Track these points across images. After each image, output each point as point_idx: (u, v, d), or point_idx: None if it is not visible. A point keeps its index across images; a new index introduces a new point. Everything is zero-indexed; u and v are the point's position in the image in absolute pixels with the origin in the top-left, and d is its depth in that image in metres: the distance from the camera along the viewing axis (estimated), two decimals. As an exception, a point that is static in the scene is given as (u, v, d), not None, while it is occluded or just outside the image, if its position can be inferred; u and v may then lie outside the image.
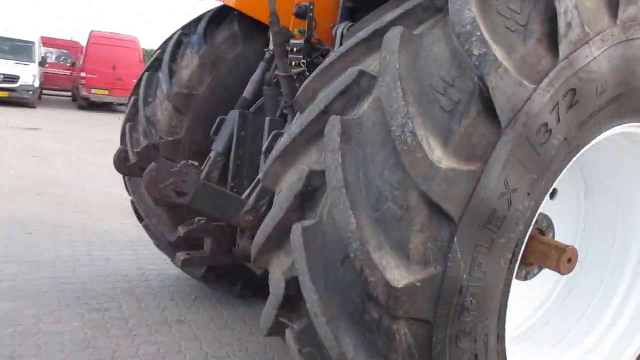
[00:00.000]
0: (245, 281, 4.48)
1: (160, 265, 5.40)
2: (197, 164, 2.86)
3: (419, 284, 1.74)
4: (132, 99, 4.34)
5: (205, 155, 4.11)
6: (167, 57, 4.10)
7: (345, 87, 2.08)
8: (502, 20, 1.88)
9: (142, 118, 4.09)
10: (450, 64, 1.88)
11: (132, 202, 4.46)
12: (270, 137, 3.13)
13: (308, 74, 3.54)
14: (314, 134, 2.17)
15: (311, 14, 3.65)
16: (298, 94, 2.48)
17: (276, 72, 3.44)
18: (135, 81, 4.53)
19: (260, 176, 2.52)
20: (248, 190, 3.12)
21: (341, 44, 3.09)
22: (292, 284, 2.05)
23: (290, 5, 3.93)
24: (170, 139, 4.00)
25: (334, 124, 1.99)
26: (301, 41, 3.59)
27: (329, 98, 2.12)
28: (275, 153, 2.32)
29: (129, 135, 4.23)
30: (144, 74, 4.35)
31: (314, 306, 1.90)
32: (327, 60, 2.36)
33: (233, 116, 3.72)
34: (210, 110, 4.10)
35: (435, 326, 1.81)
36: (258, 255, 2.32)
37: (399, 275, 1.72)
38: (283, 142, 2.28)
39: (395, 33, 2.05)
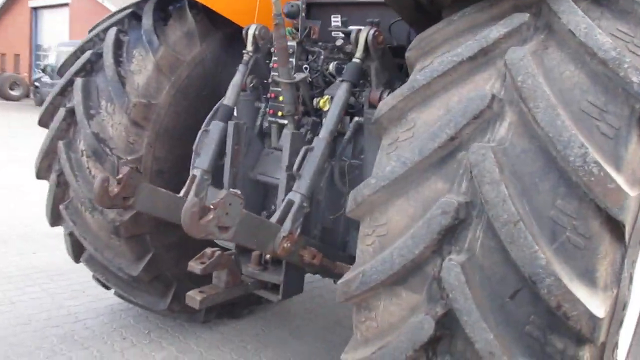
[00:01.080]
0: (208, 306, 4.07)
1: (80, 298, 4.63)
2: (239, 192, 2.47)
3: (609, 309, 1.76)
4: (61, 110, 3.57)
5: (168, 173, 3.61)
6: (108, 60, 3.44)
7: (480, 112, 1.96)
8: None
9: (86, 135, 3.39)
10: (594, 88, 1.89)
11: (70, 235, 3.72)
12: (301, 155, 2.83)
13: (310, 79, 3.28)
14: (436, 161, 2.03)
15: (304, 14, 3.36)
16: (380, 113, 2.28)
17: (276, 78, 3.10)
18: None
19: (348, 208, 2.27)
20: (278, 214, 2.79)
21: (367, 51, 2.90)
22: (442, 323, 1.93)
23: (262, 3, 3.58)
24: (129, 157, 3.39)
25: (484, 152, 1.88)
26: (293, 43, 3.29)
27: (457, 123, 1.98)
28: (379, 181, 2.12)
29: (66, 156, 3.49)
30: (70, 79, 3.60)
31: (488, 346, 1.81)
32: (418, 79, 2.21)
33: (217, 127, 3.28)
34: (170, 121, 3.58)
35: (607, 344, 1.86)
36: (360, 293, 2.14)
37: (597, 305, 1.73)
38: (392, 169, 2.09)
39: (521, 54, 2.00)
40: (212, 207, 2.43)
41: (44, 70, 23.89)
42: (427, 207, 2.04)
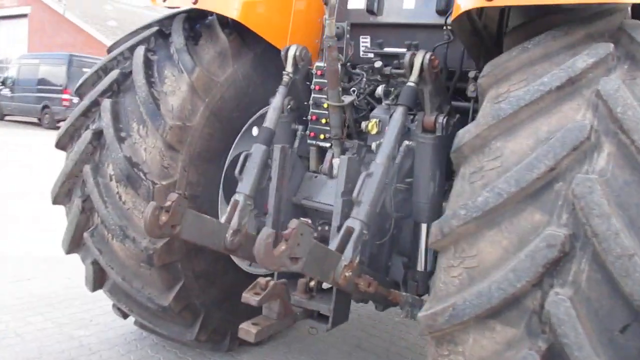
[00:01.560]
0: (233, 333, 3.93)
1: (90, 328, 4.39)
2: (310, 221, 2.38)
3: None
4: (87, 133, 3.39)
5: (201, 198, 3.47)
6: (140, 80, 3.29)
7: (579, 143, 1.95)
8: None
9: (117, 159, 3.22)
10: None
11: (93, 263, 3.52)
12: (362, 180, 2.75)
13: (357, 102, 3.23)
14: (532, 192, 2.01)
15: (348, 35, 3.31)
16: (463, 142, 2.25)
17: (325, 101, 3.05)
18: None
19: (432, 239, 2.22)
20: (337, 241, 2.70)
21: (421, 74, 2.87)
22: (547, 358, 1.89)
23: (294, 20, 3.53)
24: (164, 182, 3.24)
25: (590, 185, 1.87)
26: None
27: (557, 154, 1.97)
28: (470, 212, 2.09)
29: (94, 181, 3.31)
30: (95, 99, 3.43)
31: None
32: (504, 108, 2.19)
33: (259, 151, 3.18)
34: (204, 144, 3.45)
35: None
36: (449, 327, 2.10)
37: None
38: (485, 199, 2.06)
39: (615, 85, 2.01)
40: (284, 237, 2.34)
41: (3, 83, 22.96)
42: (524, 239, 2.01)
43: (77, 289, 4.91)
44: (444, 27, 3.35)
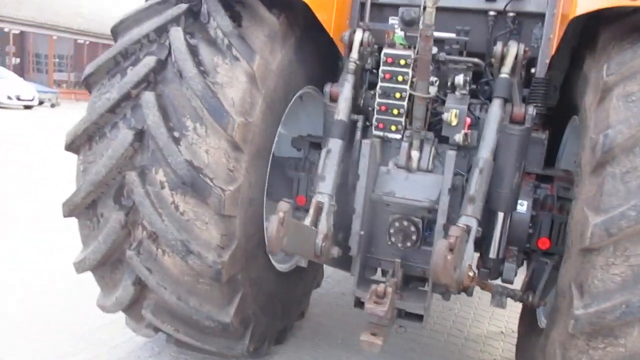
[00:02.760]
0: (270, 335, 3.73)
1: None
2: (465, 227, 2.28)
3: None
4: (127, 133, 2.84)
5: (257, 200, 3.16)
6: (190, 69, 2.81)
7: None
8: None
9: (178, 163, 2.75)
10: None
11: (136, 284, 3.02)
12: (476, 177, 2.67)
13: (438, 94, 3.10)
14: None
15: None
16: (614, 142, 2.32)
17: (412, 92, 2.88)
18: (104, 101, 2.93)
19: (596, 239, 2.24)
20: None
21: (524, 67, 2.84)
22: None
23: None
24: (230, 188, 2.86)
25: None
26: (409, 53, 3.05)
27: None
28: None
29: (143, 190, 2.81)
30: (127, 92, 2.88)
31: None
32: None
33: (337, 146, 2.95)
34: (261, 141, 3.10)
35: None
36: (620, 323, 2.24)
37: None
38: None
39: None
40: (449, 248, 2.23)
41: None
42: None
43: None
44: (505, 14, 3.34)
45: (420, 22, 2.69)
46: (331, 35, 3.44)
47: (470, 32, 3.41)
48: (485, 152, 2.79)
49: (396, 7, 3.59)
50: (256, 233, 3.20)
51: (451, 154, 2.82)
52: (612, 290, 2.28)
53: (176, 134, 2.82)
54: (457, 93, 3.10)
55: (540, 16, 3.37)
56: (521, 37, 3.40)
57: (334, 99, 3.22)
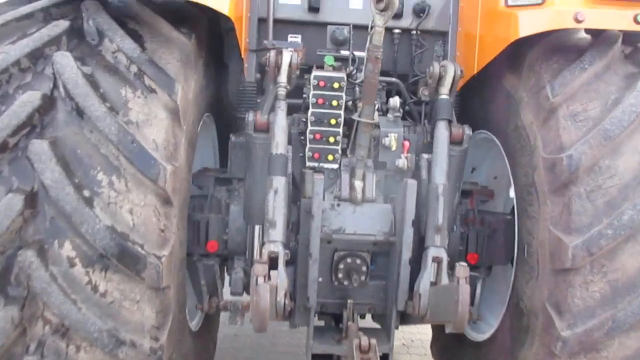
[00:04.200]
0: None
1: None
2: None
3: None
4: (12, 198, 2.06)
5: (187, 258, 2.62)
6: (95, 106, 2.17)
7: None
8: None
9: (94, 231, 2.09)
10: None
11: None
12: (440, 205, 2.53)
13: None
14: None
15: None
16: (579, 164, 2.39)
17: (358, 118, 2.64)
18: None
19: (578, 260, 2.26)
20: (429, 273, 2.48)
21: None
22: None
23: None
24: (164, 252, 2.27)
25: None
26: (342, 75, 2.79)
27: None
28: (618, 231, 2.31)
29: (47, 275, 2.07)
30: (5, 140, 2.11)
31: None
32: (610, 130, 2.39)
33: (282, 185, 2.66)
34: (186, 187, 2.59)
35: None
36: (606, 339, 2.35)
37: None
38: (629, 217, 2.29)
39: None
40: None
41: None
42: None
43: None
44: (409, 32, 3.29)
45: (368, 42, 2.47)
46: (242, 55, 3.01)
47: (384, 51, 3.28)
48: (441, 177, 2.67)
49: (299, 24, 3.32)
50: (185, 298, 2.64)
51: (412, 183, 2.64)
52: (594, 307, 2.33)
53: (86, 193, 2.14)
54: (390, 115, 2.94)
55: (442, 34, 3.40)
56: (423, 56, 3.39)
57: (260, 129, 2.80)
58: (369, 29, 2.45)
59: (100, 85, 2.27)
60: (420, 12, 3.30)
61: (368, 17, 3.23)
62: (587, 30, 2.72)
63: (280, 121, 2.65)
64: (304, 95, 2.98)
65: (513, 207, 3.37)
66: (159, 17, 2.54)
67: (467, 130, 2.90)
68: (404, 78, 3.36)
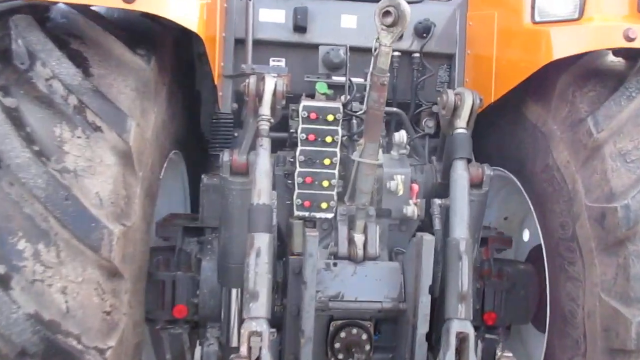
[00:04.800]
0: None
1: None
2: None
3: None
4: None
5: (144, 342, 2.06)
6: (17, 151, 1.65)
7: None
8: None
9: (9, 323, 1.53)
10: None
11: None
12: (463, 267, 2.02)
13: None
14: None
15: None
16: None
17: (359, 159, 2.13)
18: None
19: None
20: (449, 353, 1.95)
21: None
22: None
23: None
24: (111, 343, 1.71)
25: None
26: (337, 105, 2.31)
27: None
28: None
29: None
30: None
31: None
32: None
33: (266, 244, 2.05)
34: (143, 251, 2.04)
35: None
36: None
37: None
38: None
39: None
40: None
41: None
42: None
43: None
44: (410, 54, 2.83)
45: (372, 65, 1.98)
46: (215, 82, 2.51)
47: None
48: (462, 231, 2.17)
49: (283, 45, 2.83)
50: None
51: (429, 240, 2.13)
52: None
53: (1, 269, 1.58)
54: (394, 153, 2.44)
55: (447, 57, 2.95)
56: (425, 82, 2.93)
57: (237, 172, 2.28)
58: (373, 49, 1.97)
59: (26, 123, 1.73)
60: (423, 32, 2.84)
61: (363, 37, 2.84)
62: (623, 50, 2.29)
63: (263, 163, 2.13)
64: (291, 130, 2.48)
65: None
66: (110, 35, 2.03)
67: (488, 170, 2.42)
68: (404, 107, 2.89)
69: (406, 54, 2.90)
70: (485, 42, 2.69)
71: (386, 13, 1.86)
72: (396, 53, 2.87)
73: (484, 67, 2.68)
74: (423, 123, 2.95)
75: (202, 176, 2.62)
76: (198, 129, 3.07)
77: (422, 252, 2.10)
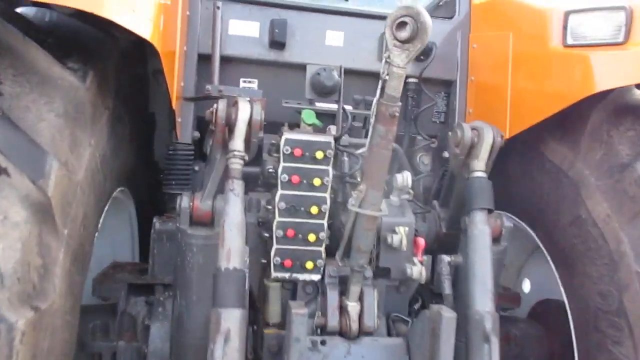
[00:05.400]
0: None
1: None
2: None
3: None
4: None
5: None
6: None
7: None
8: None
9: None
10: None
11: None
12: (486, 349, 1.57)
13: None
14: None
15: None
16: None
17: (358, 210, 1.66)
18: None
19: None
20: None
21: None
22: None
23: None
24: None
25: None
26: (329, 139, 1.84)
27: None
28: None
29: None
30: None
31: None
32: None
33: (237, 322, 1.53)
34: (65, 339, 1.46)
35: None
36: None
37: None
38: None
39: None
40: None
41: None
42: None
43: None
44: (418, 81, 2.40)
45: (378, 92, 1.54)
46: (173, 106, 2.01)
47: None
48: (487, 303, 1.73)
49: (256, 64, 2.37)
50: None
51: (450, 318, 1.67)
52: None
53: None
54: (394, 198, 1.99)
55: (444, 84, 2.55)
56: (424, 112, 2.51)
57: (199, 222, 1.78)
58: (382, 72, 1.53)
59: None
60: (422, 53, 2.43)
61: (351, 58, 2.41)
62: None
63: (234, 214, 1.63)
64: (268, 167, 2.00)
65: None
66: (32, 42, 1.51)
67: (507, 222, 2.01)
68: (397, 141, 2.45)
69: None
70: (495, 68, 2.30)
71: (401, 25, 1.43)
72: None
73: (493, 98, 2.29)
74: (417, 159, 2.54)
75: (154, 220, 2.11)
76: (151, 158, 2.56)
77: (440, 332, 1.64)
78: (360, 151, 1.84)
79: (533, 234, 2.21)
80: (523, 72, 2.12)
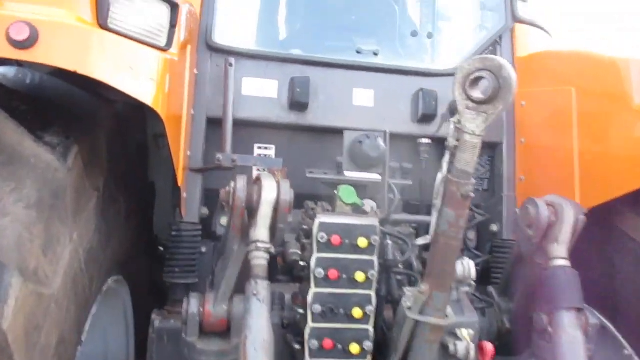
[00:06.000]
0: None
1: None
2: None
3: None
4: None
5: None
6: None
7: None
8: None
9: None
10: None
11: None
12: None
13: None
14: None
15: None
16: None
17: (416, 317, 1.28)
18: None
19: None
20: None
21: None
22: None
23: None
24: None
25: None
26: (374, 222, 1.47)
27: None
28: None
29: None
30: None
31: None
32: None
33: None
34: None
35: None
36: None
37: None
38: None
39: None
40: None
41: None
42: None
43: None
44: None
45: (444, 167, 1.20)
46: (177, 179, 1.66)
47: (411, 171, 2.03)
48: None
49: (274, 128, 2.04)
50: None
51: None
52: None
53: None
54: (453, 293, 1.60)
55: (488, 146, 2.21)
56: None
57: (211, 330, 1.39)
58: (449, 141, 1.19)
59: None
60: None
61: (381, 119, 2.08)
62: None
63: (260, 328, 1.25)
64: (292, 255, 1.63)
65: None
66: (2, 113, 1.17)
67: (594, 319, 1.62)
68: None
69: (438, 141, 2.14)
70: (554, 129, 1.97)
71: (476, 81, 1.10)
72: (425, 141, 2.12)
73: (554, 163, 1.95)
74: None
75: (153, 316, 1.73)
76: (150, 235, 2.19)
77: None
78: (420, 241, 1.47)
79: (614, 330, 1.81)
80: (594, 134, 1.78)
